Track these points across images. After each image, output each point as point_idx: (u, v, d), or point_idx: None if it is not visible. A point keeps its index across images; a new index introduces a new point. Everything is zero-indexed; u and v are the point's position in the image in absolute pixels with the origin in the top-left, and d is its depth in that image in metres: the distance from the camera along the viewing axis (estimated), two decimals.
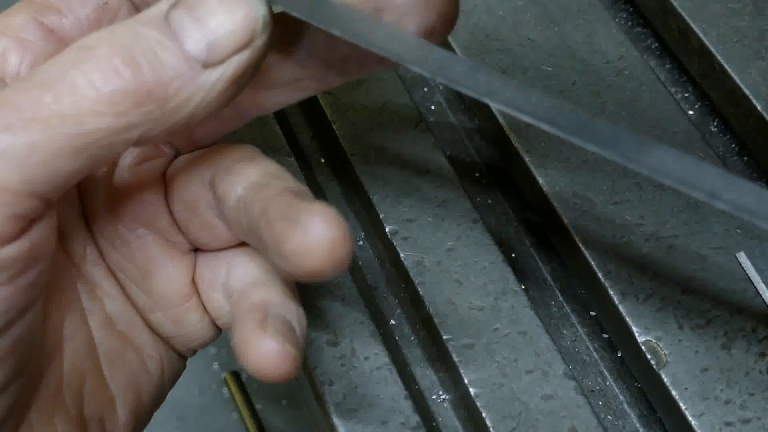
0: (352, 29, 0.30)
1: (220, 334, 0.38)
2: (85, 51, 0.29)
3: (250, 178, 0.33)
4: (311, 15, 0.30)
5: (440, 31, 0.32)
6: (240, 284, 0.36)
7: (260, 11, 0.29)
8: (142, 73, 0.28)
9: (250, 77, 0.30)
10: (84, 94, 0.28)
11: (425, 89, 0.49)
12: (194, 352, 0.39)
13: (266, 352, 0.32)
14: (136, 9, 0.36)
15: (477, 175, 0.46)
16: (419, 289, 0.41)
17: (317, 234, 0.29)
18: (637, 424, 0.40)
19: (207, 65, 0.29)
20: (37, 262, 0.30)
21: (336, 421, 0.39)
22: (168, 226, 0.36)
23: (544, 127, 0.28)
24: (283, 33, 0.33)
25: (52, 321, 0.34)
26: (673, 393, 0.37)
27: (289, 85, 0.35)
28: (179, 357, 0.39)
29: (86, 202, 0.36)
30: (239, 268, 0.36)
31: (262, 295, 0.34)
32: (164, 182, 0.36)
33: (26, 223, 0.29)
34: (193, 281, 0.37)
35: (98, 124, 0.28)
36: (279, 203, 0.30)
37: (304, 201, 0.30)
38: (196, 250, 0.38)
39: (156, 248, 0.37)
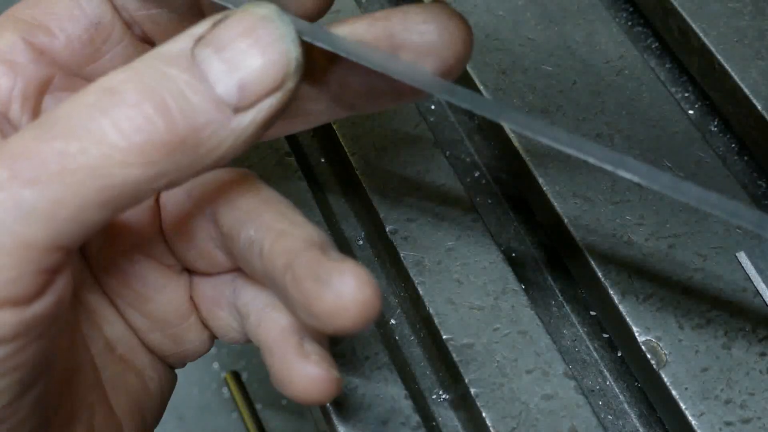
0: (378, 60, 0.30)
1: (213, 344, 0.38)
2: (111, 95, 0.27)
3: (262, 219, 0.32)
4: (336, 46, 0.30)
5: (456, 71, 0.32)
6: (255, 305, 0.35)
7: (293, 53, 0.28)
8: (174, 121, 0.27)
9: (278, 119, 0.29)
10: (113, 144, 0.26)
11: None
12: (185, 363, 0.39)
13: (314, 378, 0.31)
14: (129, 27, 0.35)
15: (477, 175, 0.46)
16: (419, 289, 0.40)
17: (350, 296, 0.28)
18: (637, 424, 0.40)
19: (238, 109, 0.28)
20: (63, 312, 0.29)
21: (336, 421, 0.39)
22: (163, 251, 0.36)
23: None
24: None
25: (63, 356, 0.33)
26: (673, 393, 0.37)
27: (297, 118, 0.35)
28: (172, 371, 0.39)
29: None
30: (248, 287, 0.35)
31: (288, 318, 0.33)
32: (158, 208, 0.35)
33: (51, 276, 0.28)
34: (191, 299, 0.37)
35: (127, 176, 0.27)
36: (306, 260, 0.30)
37: (333, 259, 0.29)
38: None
39: (152, 272, 0.36)
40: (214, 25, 0.28)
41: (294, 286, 0.29)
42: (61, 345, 0.33)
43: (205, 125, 0.27)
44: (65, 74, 0.35)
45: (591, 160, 0.28)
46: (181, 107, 0.27)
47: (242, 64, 0.28)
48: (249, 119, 0.28)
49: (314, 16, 0.34)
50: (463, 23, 0.32)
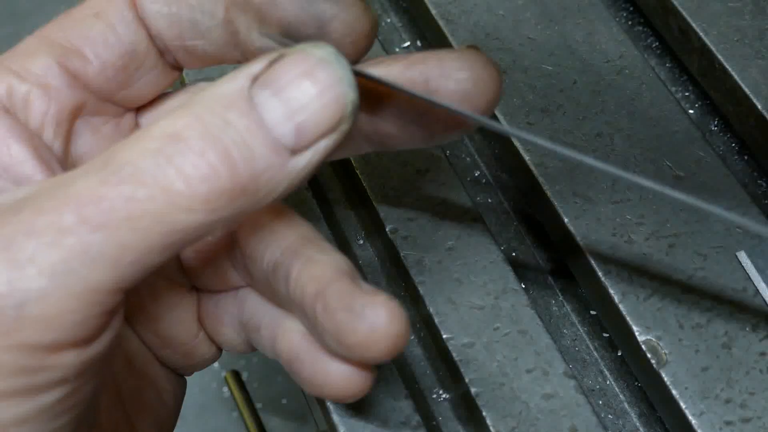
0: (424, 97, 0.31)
1: (221, 353, 0.38)
2: (175, 142, 0.27)
3: (288, 243, 0.32)
4: (387, 82, 0.31)
5: (486, 115, 0.33)
6: (264, 317, 0.35)
7: (350, 96, 0.28)
8: (236, 170, 0.27)
9: (329, 159, 0.29)
10: (179, 191, 0.27)
11: None
12: (193, 372, 0.39)
13: (351, 372, 0.32)
14: (162, 55, 0.35)
15: (477, 174, 0.46)
16: (419, 289, 0.40)
17: (383, 329, 0.29)
18: (637, 423, 0.40)
19: (294, 152, 0.28)
20: (115, 348, 0.30)
21: (336, 420, 0.39)
22: (175, 270, 0.36)
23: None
24: None
25: None
26: (674, 392, 0.37)
27: None
28: (183, 378, 0.39)
29: None
30: (253, 301, 0.35)
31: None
32: None
33: (110, 317, 0.28)
34: (199, 318, 0.37)
35: (191, 222, 0.27)
36: (338, 290, 0.30)
37: (366, 291, 0.30)
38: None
39: (165, 292, 0.36)
40: (271, 63, 0.28)
41: (325, 315, 0.30)
42: None
43: (265, 170, 0.28)
44: (96, 99, 0.34)
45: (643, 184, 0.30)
46: (243, 155, 0.27)
47: (300, 106, 0.28)
48: (305, 161, 0.28)
49: (352, 60, 0.34)
50: (497, 72, 0.32)
